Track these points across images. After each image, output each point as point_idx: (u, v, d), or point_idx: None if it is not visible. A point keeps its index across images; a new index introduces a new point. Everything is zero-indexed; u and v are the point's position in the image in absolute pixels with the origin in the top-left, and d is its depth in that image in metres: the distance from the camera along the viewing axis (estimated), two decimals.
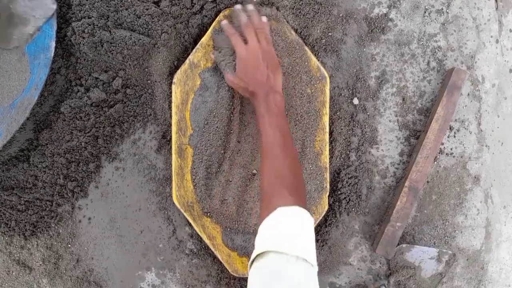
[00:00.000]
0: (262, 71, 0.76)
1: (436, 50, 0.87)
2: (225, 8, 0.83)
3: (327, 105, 0.84)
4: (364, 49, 0.87)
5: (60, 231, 0.90)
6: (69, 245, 0.90)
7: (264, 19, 0.80)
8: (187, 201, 0.84)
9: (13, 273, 0.90)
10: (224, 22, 0.80)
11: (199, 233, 0.85)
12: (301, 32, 0.85)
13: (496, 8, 0.87)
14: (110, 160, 0.89)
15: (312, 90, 0.83)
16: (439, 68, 0.87)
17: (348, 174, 0.87)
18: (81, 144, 0.86)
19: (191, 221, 0.85)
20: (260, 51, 0.76)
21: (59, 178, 0.87)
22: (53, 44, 0.79)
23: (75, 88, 0.85)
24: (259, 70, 0.76)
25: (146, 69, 0.85)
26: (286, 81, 0.83)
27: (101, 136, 0.87)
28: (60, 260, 0.90)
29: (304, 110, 0.83)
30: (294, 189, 0.66)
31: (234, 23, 0.81)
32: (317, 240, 0.89)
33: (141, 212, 0.89)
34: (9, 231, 0.88)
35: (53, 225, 0.89)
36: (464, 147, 0.88)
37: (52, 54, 0.79)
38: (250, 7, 0.80)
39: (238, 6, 0.80)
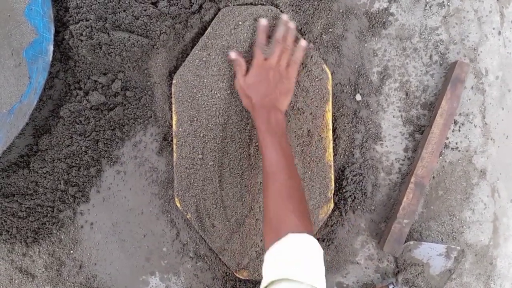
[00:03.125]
0: (268, 89, 0.75)
1: (438, 44, 0.86)
2: (225, 6, 0.82)
3: (330, 103, 0.83)
4: (366, 45, 0.86)
5: (62, 237, 0.88)
6: (72, 251, 0.88)
7: (303, 43, 0.78)
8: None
9: (16, 281, 0.89)
10: (263, 23, 0.78)
11: (203, 236, 0.84)
12: (301, 29, 0.84)
13: (497, 0, 0.86)
14: (111, 163, 0.88)
15: (314, 87, 0.82)
16: (441, 62, 0.86)
17: (353, 171, 0.86)
18: (81, 149, 0.85)
19: (194, 223, 0.84)
20: (273, 70, 0.75)
21: (60, 184, 0.86)
22: (51, 47, 0.78)
23: (74, 91, 0.85)
24: (265, 87, 0.75)
25: (146, 71, 0.85)
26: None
27: (102, 139, 0.86)
28: (63, 266, 0.89)
29: (304, 107, 0.82)
30: (302, 214, 0.64)
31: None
32: (323, 240, 0.88)
33: (144, 216, 0.88)
34: (11, 238, 0.87)
35: (55, 231, 0.88)
36: (469, 141, 0.87)
37: (51, 58, 0.78)
38: (292, 25, 0.78)
39: (284, 17, 0.78)
